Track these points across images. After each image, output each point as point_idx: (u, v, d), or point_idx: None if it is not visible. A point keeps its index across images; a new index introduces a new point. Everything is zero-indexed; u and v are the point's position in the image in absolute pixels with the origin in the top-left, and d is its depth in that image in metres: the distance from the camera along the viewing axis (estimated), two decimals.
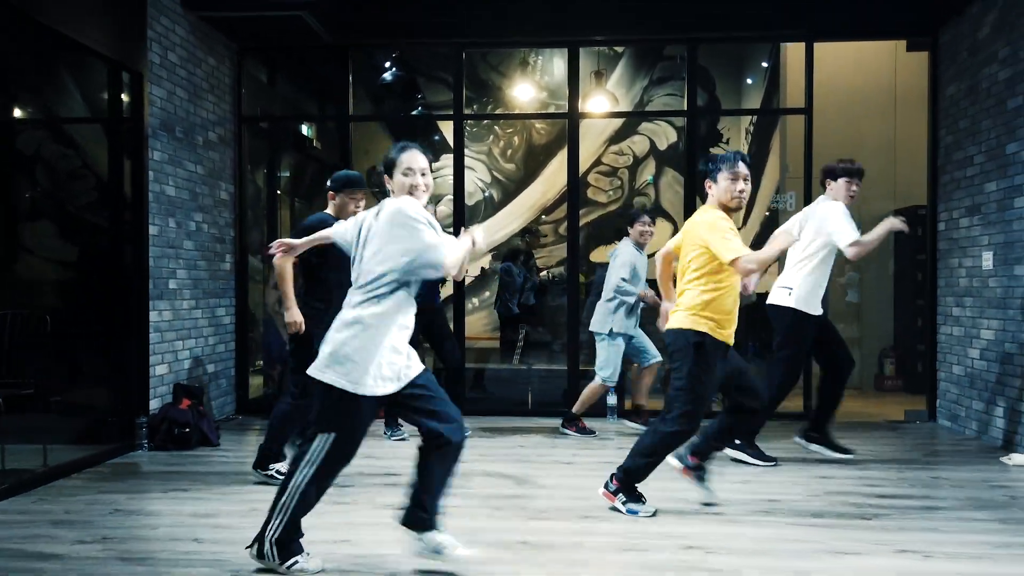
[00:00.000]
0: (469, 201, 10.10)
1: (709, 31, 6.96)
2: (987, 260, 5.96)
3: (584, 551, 3.54)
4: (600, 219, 10.06)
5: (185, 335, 6.25)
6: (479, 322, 10.01)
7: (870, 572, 3.30)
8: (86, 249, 6.83)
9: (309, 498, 3.15)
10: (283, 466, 4.64)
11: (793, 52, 7.58)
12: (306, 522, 3.24)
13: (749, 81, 9.82)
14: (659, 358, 6.20)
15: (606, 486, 4.14)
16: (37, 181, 7.07)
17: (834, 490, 4.54)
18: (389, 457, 5.37)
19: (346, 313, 3.14)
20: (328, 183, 4.75)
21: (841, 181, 5.10)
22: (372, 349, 3.07)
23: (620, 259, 6.10)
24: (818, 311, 5.11)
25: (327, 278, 4.58)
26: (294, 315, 4.54)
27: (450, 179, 7.20)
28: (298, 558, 3.19)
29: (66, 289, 6.62)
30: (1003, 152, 5.76)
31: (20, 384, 4.81)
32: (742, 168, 3.97)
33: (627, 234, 6.23)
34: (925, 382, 7.01)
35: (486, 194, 10.33)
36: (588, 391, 6.17)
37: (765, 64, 9.22)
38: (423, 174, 3.23)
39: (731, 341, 4.09)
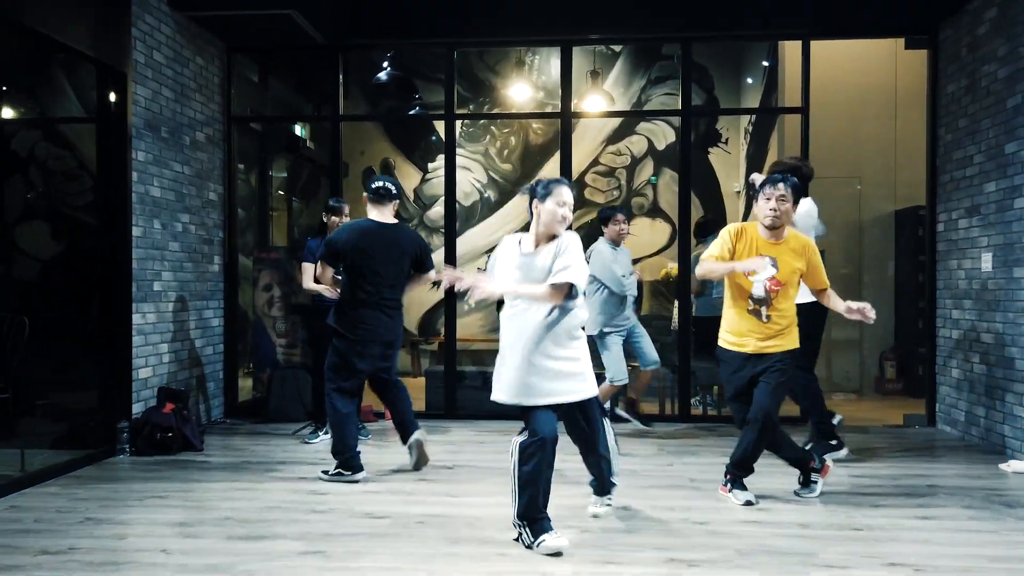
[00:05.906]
0: (466, 201, 9.99)
1: (704, 30, 6.87)
2: (986, 262, 5.83)
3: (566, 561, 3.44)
4: (597, 219, 9.95)
5: (170, 338, 6.15)
6: (475, 323, 9.92)
7: None
8: (72, 250, 6.76)
9: None
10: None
11: (791, 51, 7.44)
12: None
13: (749, 81, 9.67)
14: (657, 364, 6.09)
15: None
16: (32, 182, 7.01)
17: (824, 499, 4.40)
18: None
19: None
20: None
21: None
22: None
23: (605, 257, 6.01)
24: None
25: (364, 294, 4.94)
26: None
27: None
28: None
29: (51, 291, 6.55)
30: (1002, 152, 5.63)
31: None
32: (778, 189, 4.33)
33: (602, 233, 6.19)
34: (925, 386, 6.87)
35: (484, 195, 10.21)
36: (600, 391, 6.06)
37: (765, 63, 9.08)
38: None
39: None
